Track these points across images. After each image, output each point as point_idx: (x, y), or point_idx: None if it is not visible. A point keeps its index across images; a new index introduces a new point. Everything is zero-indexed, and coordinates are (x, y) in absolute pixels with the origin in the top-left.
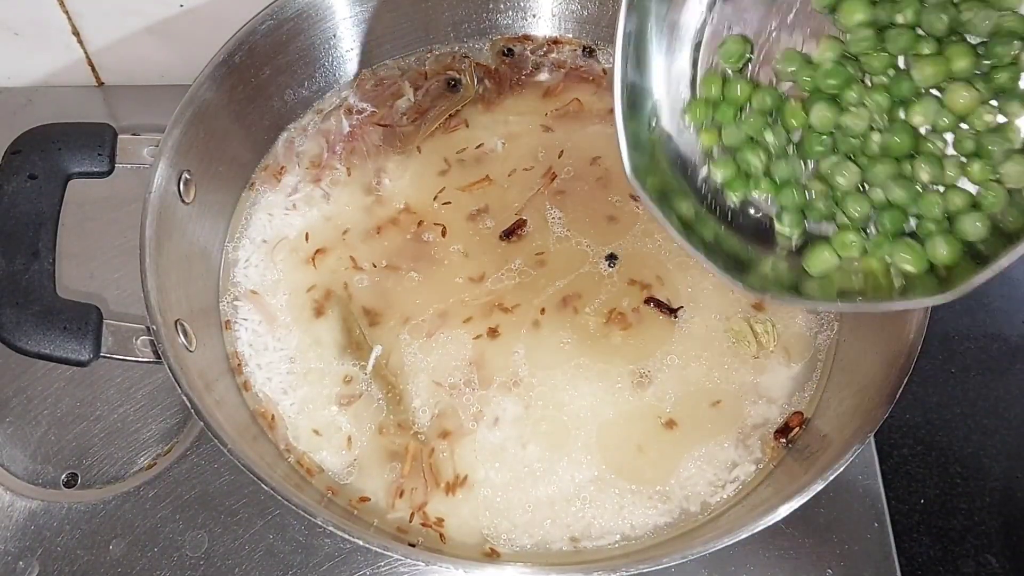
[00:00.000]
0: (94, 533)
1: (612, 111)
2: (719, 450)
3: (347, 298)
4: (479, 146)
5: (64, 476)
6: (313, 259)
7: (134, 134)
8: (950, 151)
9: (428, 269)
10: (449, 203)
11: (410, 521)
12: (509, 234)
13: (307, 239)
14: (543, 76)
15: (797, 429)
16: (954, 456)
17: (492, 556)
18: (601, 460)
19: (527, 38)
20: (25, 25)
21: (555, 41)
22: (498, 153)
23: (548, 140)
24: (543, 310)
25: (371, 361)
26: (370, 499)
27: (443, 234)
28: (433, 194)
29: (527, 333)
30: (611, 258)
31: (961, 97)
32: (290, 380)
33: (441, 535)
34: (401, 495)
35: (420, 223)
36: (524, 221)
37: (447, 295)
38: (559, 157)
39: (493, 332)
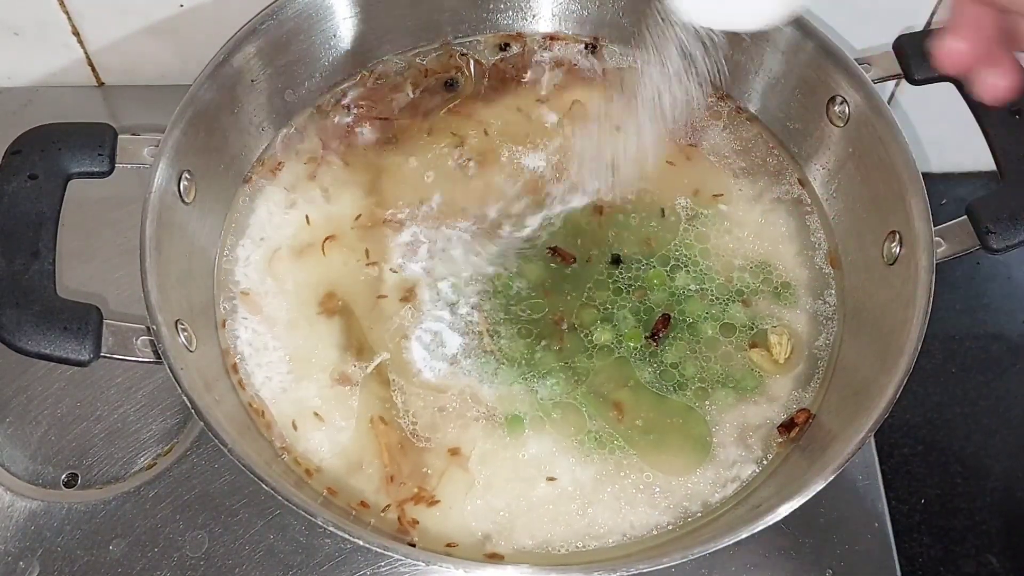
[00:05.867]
0: (94, 533)
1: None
2: (720, 448)
3: (349, 297)
4: (479, 153)
5: (64, 476)
6: (314, 257)
7: (134, 134)
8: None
9: (432, 269)
10: (455, 203)
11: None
12: (554, 252)
13: (307, 236)
14: (542, 75)
15: (802, 426)
16: (955, 456)
17: (493, 556)
18: (606, 455)
19: (521, 35)
20: (25, 25)
21: (552, 37)
22: (501, 154)
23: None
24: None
25: (373, 364)
26: (369, 505)
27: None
28: (433, 193)
29: (535, 336)
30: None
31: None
32: (289, 379)
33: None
34: (392, 480)
35: (423, 221)
36: (574, 257)
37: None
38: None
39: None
